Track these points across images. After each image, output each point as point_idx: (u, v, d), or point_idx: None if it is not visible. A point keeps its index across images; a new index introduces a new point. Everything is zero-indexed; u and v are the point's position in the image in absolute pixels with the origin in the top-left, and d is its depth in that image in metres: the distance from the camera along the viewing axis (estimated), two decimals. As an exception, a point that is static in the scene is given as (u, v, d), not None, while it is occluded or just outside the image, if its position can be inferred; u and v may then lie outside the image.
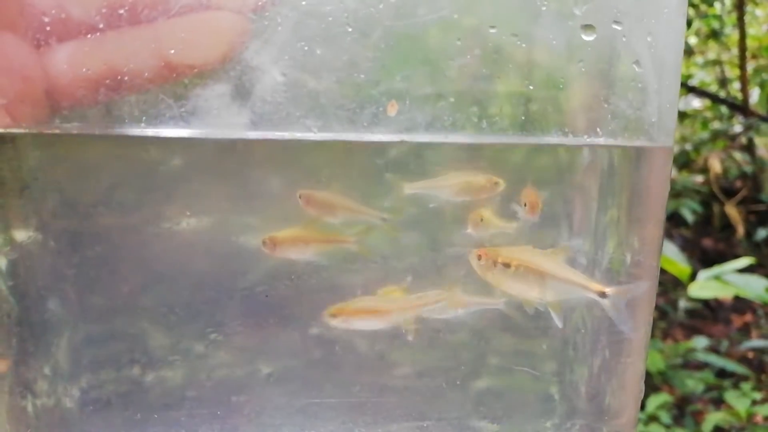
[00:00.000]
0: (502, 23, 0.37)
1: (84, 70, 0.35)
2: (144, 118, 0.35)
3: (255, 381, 0.38)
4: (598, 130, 0.39)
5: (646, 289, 0.39)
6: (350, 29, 0.35)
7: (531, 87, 0.38)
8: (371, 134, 0.36)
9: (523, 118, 0.38)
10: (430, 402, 0.39)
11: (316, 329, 0.39)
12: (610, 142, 0.39)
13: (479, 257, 0.36)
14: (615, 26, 0.38)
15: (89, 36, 0.35)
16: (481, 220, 0.38)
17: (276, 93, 0.35)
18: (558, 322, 0.38)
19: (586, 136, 0.39)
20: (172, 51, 0.35)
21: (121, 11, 0.34)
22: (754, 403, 1.94)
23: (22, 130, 0.35)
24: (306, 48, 0.35)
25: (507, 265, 0.36)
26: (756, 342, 2.54)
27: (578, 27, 0.37)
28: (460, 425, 0.40)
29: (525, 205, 0.38)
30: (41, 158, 0.37)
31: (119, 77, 0.35)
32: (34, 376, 0.37)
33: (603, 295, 0.37)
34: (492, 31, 0.37)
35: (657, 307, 2.78)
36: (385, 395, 0.39)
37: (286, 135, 0.35)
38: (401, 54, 0.36)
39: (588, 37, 0.38)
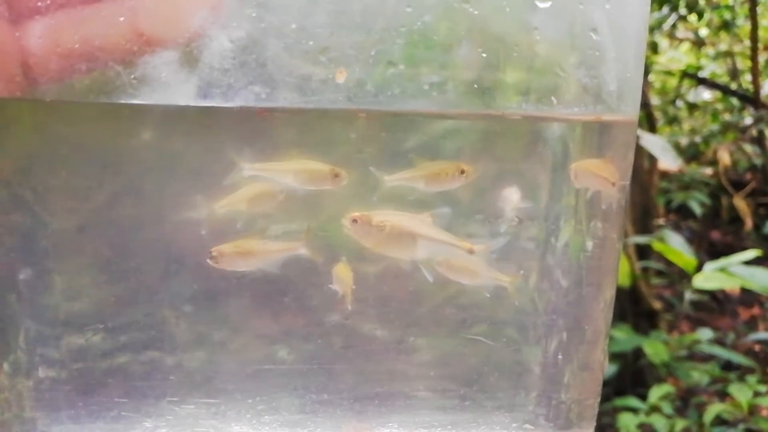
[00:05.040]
0: (453, -10, 0.36)
1: (60, 43, 0.35)
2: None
3: (206, 348, 0.39)
4: (553, 99, 0.38)
5: (505, 242, 0.40)
6: (298, -5, 0.35)
7: (484, 55, 0.37)
8: (320, 102, 0.36)
9: (475, 86, 0.38)
10: (382, 370, 0.40)
11: (267, 296, 0.39)
12: (566, 112, 0.39)
13: (355, 221, 0.38)
14: (571, -7, 0.38)
15: (65, 10, 0.35)
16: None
17: (224, 60, 0.35)
18: (428, 278, 0.39)
19: (541, 106, 0.38)
20: (147, 25, 0.35)
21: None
22: (757, 395, 1.93)
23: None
24: (254, 15, 0.35)
25: (381, 228, 0.38)
26: (762, 335, 2.52)
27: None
28: (410, 395, 0.40)
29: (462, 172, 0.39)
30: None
31: (94, 51, 0.35)
32: None
33: (471, 252, 0.39)
34: (443, -3, 0.36)
35: (663, 299, 2.76)
36: (336, 362, 0.39)
37: (234, 103, 0.35)
38: (351, 21, 0.36)
39: (543, 4, 0.37)
